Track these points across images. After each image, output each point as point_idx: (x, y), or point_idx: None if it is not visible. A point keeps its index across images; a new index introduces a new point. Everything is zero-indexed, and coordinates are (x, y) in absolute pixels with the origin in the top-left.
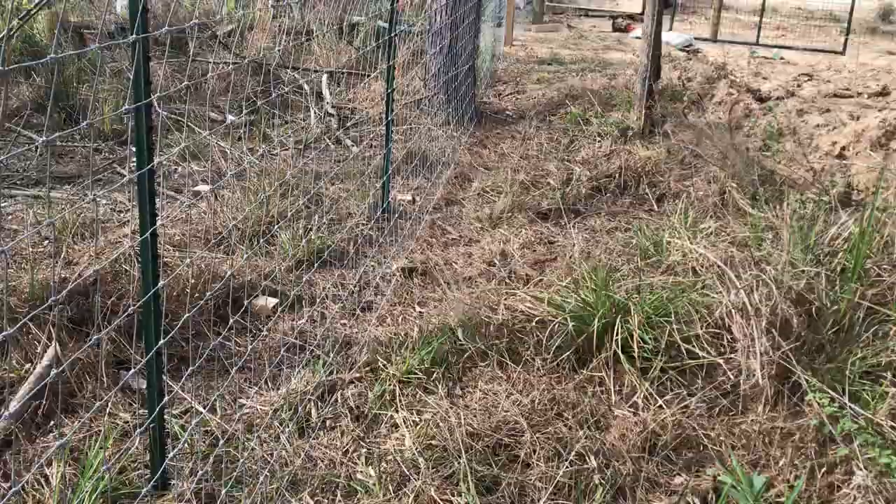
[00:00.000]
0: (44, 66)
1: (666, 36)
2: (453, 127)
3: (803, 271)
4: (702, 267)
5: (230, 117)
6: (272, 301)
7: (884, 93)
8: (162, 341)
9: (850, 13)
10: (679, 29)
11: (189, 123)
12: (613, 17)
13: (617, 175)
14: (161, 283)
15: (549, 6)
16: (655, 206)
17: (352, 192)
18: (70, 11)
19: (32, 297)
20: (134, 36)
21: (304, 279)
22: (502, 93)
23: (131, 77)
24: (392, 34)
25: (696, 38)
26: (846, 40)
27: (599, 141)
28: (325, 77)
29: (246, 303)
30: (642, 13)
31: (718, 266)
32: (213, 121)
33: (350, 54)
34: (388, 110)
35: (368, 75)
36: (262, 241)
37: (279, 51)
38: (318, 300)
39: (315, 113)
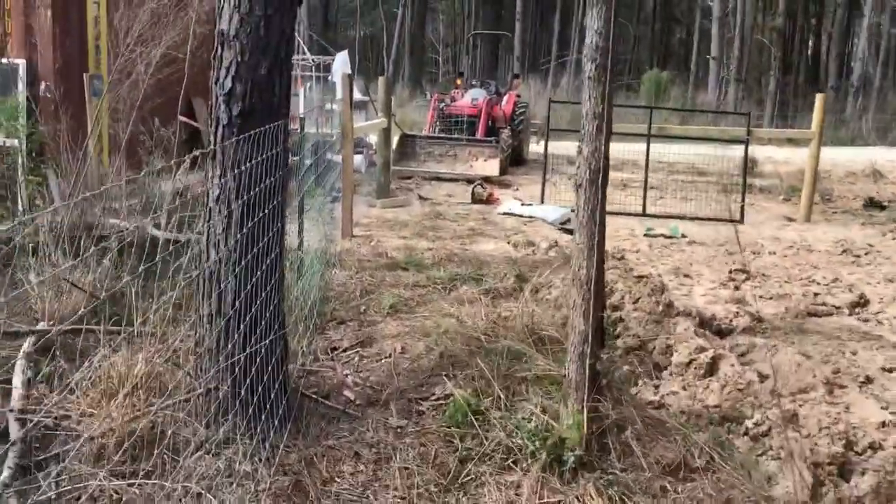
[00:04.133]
0: None
1: (540, 211)
2: (246, 447)
3: None
4: None
5: None
6: None
7: (862, 303)
8: None
9: (744, 177)
10: (549, 195)
11: None
12: (470, 183)
13: None
14: None
15: (395, 170)
16: None
17: None
18: None
19: None
20: None
21: None
22: (338, 346)
23: None
24: None
25: (573, 210)
26: (742, 207)
27: (513, 474)
28: (26, 344)
29: None
30: (501, 175)
31: None
32: None
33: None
34: None
35: (112, 334)
36: None
37: None
38: None
39: None
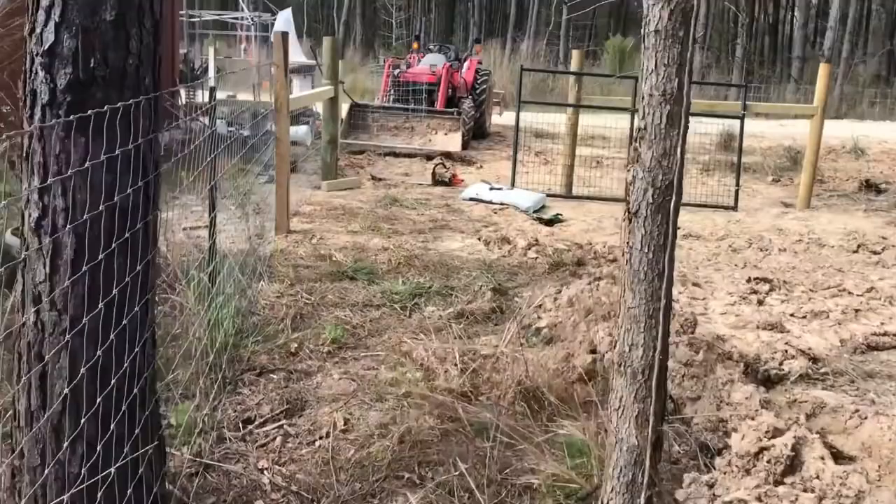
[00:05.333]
0: None
1: (510, 197)
2: None
3: None
4: None
5: None
6: None
7: None
8: None
9: (739, 159)
10: (517, 176)
11: None
12: (429, 160)
13: None
14: None
15: (344, 144)
16: None
17: None
18: None
19: None
20: None
21: None
22: (254, 416)
23: None
24: None
25: (548, 194)
26: (737, 192)
27: None
28: None
29: None
30: (462, 150)
31: None
32: None
33: None
34: None
35: None
36: None
37: None
38: None
39: None
